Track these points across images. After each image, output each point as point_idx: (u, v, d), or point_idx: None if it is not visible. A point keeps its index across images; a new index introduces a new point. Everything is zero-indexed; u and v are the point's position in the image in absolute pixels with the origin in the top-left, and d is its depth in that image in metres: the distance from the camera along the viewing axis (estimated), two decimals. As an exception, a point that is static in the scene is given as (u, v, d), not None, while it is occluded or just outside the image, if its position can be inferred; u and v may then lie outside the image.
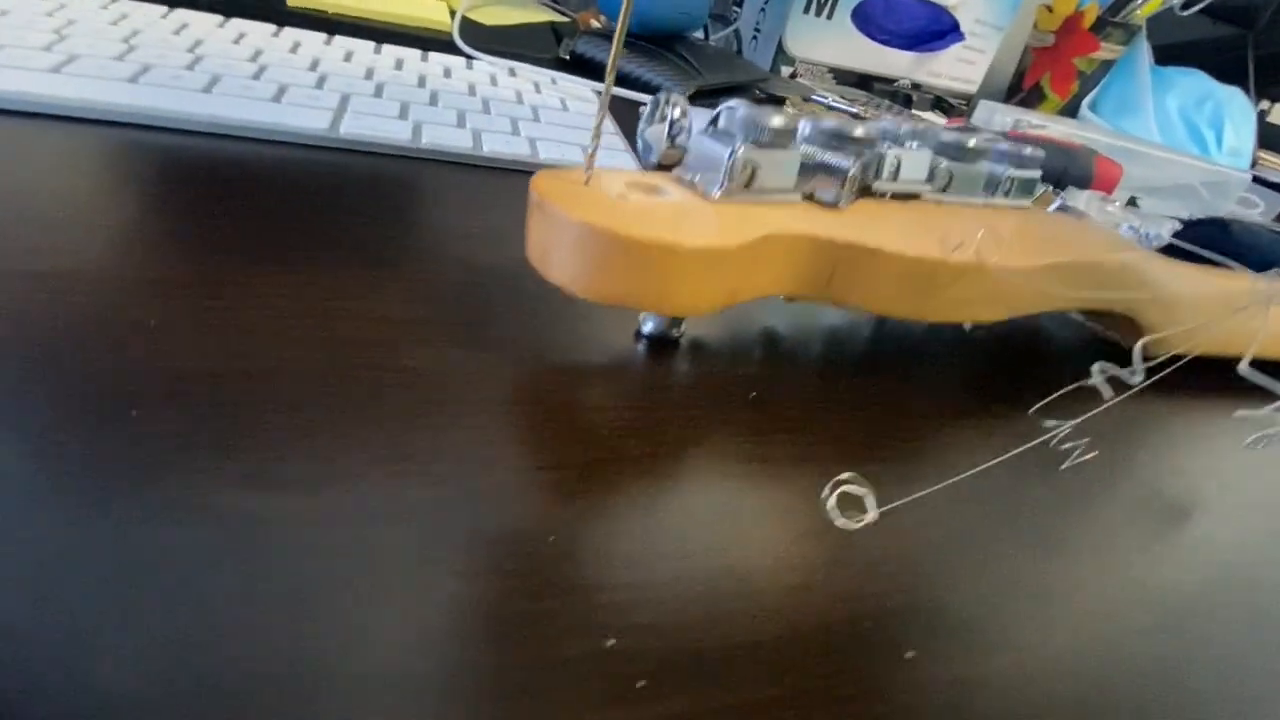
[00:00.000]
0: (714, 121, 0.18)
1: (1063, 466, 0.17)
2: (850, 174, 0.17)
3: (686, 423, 0.16)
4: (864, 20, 0.66)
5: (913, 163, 0.20)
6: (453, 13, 0.44)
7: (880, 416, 0.17)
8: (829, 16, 0.64)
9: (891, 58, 0.69)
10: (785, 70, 0.65)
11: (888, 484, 0.15)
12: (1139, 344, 0.18)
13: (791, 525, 0.14)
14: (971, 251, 0.15)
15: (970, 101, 0.77)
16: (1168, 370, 0.19)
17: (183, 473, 0.11)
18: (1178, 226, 0.41)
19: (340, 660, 0.09)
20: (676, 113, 0.17)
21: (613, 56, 0.14)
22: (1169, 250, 0.40)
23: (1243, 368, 0.18)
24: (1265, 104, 0.82)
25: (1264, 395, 0.18)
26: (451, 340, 0.16)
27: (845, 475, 0.14)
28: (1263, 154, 0.74)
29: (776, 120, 0.15)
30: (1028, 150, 0.22)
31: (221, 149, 0.23)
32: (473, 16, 0.46)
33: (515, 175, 0.27)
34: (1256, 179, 0.69)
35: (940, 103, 0.72)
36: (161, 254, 0.17)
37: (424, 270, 0.19)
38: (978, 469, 0.16)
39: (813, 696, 0.10)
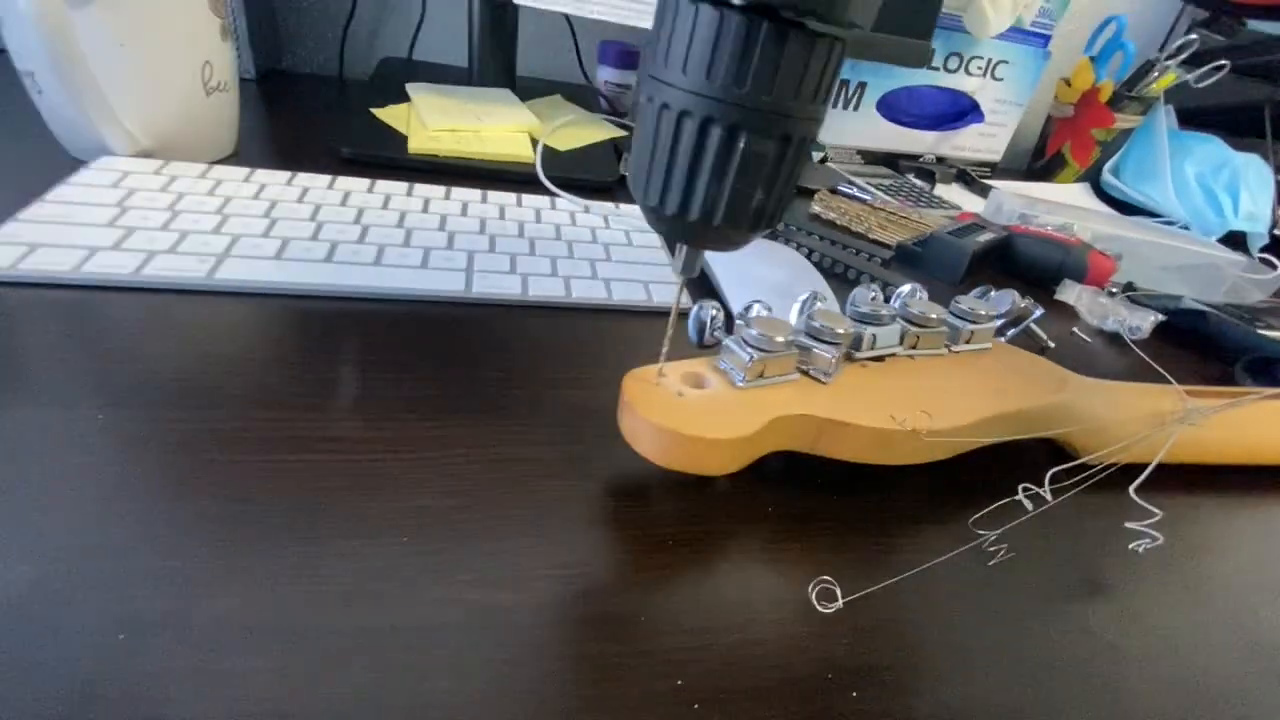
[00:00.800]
0: (744, 315, 0.26)
1: (990, 564, 0.25)
2: (834, 359, 0.25)
3: (722, 534, 0.24)
4: (888, 108, 0.73)
5: (886, 334, 0.27)
6: (534, 141, 0.54)
7: (859, 525, 0.25)
8: (855, 109, 0.72)
9: (915, 137, 0.76)
10: (816, 155, 0.73)
11: (859, 577, 0.23)
12: (1049, 474, 0.25)
13: (789, 608, 0.21)
14: (910, 426, 0.23)
15: (994, 168, 0.83)
16: (1083, 485, 0.27)
17: (442, 577, 0.20)
18: (1161, 319, 0.47)
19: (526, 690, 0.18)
20: (713, 312, 0.26)
21: (673, 316, 0.23)
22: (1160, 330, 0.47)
23: (1132, 491, 0.25)
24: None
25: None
26: (567, 474, 0.25)
27: (825, 577, 0.22)
28: (1286, 213, 0.77)
29: (780, 337, 0.24)
30: (983, 310, 0.30)
31: (389, 311, 0.32)
32: (550, 143, 0.55)
33: (598, 314, 0.35)
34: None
35: (963, 175, 0.78)
36: (373, 412, 0.26)
37: (542, 415, 0.28)
38: (923, 567, 0.24)
39: (800, 718, 0.18)
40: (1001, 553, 0.25)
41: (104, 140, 0.40)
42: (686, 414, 0.22)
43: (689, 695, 0.18)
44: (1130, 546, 0.26)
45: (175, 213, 0.36)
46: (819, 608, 0.21)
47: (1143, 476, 0.26)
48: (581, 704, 0.18)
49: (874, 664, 0.20)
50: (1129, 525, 0.25)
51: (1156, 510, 0.25)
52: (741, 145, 0.17)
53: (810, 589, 0.22)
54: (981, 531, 0.25)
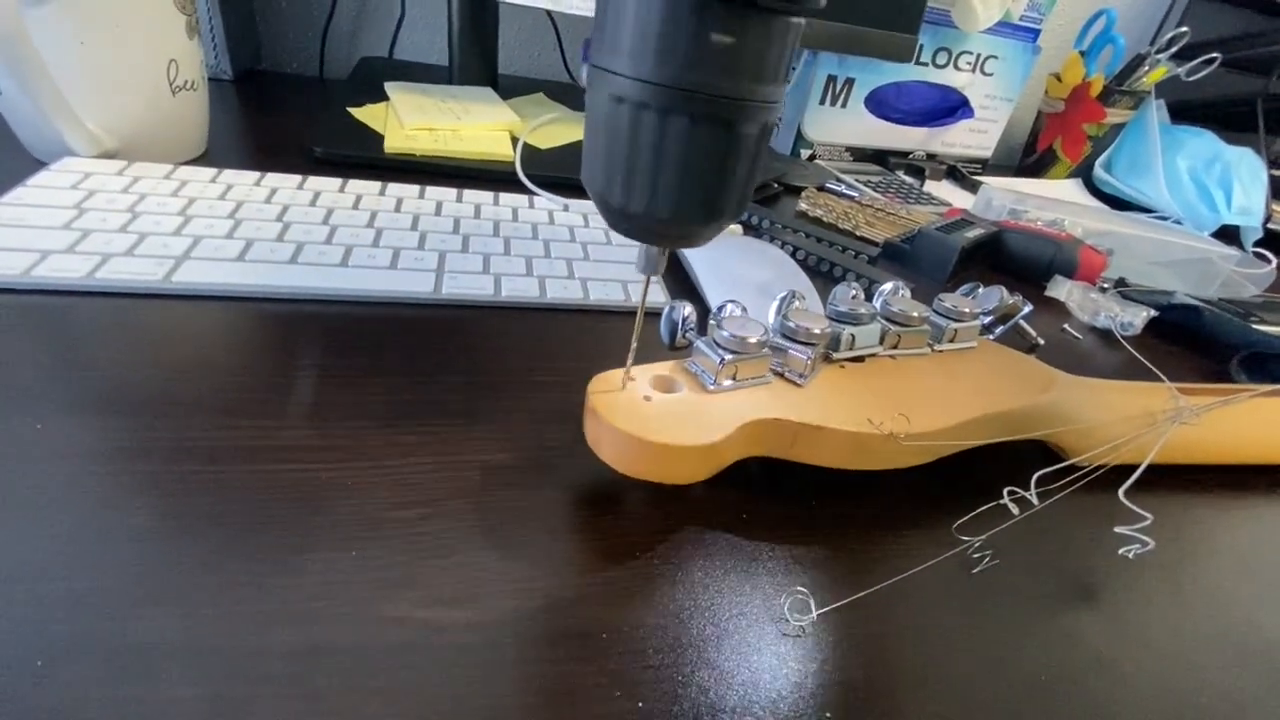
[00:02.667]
0: (716, 316, 0.25)
1: (974, 571, 0.24)
2: (809, 360, 0.24)
3: (693, 544, 0.23)
4: (877, 104, 0.72)
5: (865, 334, 0.26)
6: (514, 140, 0.53)
7: (837, 532, 0.24)
8: (844, 105, 0.71)
9: (905, 133, 0.75)
10: (804, 153, 0.72)
11: (835, 587, 0.22)
12: (1035, 476, 0.24)
13: (762, 622, 0.20)
14: (887, 430, 0.22)
15: (985, 165, 0.82)
16: (1070, 488, 0.26)
17: (389, 594, 0.19)
18: (1153, 314, 0.46)
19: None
20: (685, 312, 0.25)
21: (639, 316, 0.22)
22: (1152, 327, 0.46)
23: (1121, 494, 0.24)
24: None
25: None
26: (530, 483, 0.24)
27: (799, 588, 0.21)
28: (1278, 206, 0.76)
29: (753, 338, 0.22)
30: (967, 308, 0.29)
31: (355, 313, 0.31)
32: (531, 141, 0.54)
33: (573, 314, 0.34)
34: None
35: (954, 171, 0.77)
36: (329, 420, 0.25)
37: (507, 420, 0.26)
38: (903, 575, 0.22)
39: (764, 741, 0.17)
40: (986, 559, 0.24)
41: (66, 141, 0.39)
42: (652, 420, 0.21)
43: (651, 718, 0.17)
44: (1120, 552, 0.25)
45: (135, 214, 0.35)
46: (792, 620, 0.20)
47: (1133, 478, 0.25)
48: (535, 730, 0.17)
49: (849, 680, 0.19)
50: (1119, 530, 0.24)
51: (1147, 514, 0.24)
52: (696, 135, 0.16)
53: (783, 601, 0.21)
54: (965, 538, 0.24)
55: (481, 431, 0.26)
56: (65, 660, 0.16)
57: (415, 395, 0.27)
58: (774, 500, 0.25)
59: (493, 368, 0.29)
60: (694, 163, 0.17)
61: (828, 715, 0.18)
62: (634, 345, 0.23)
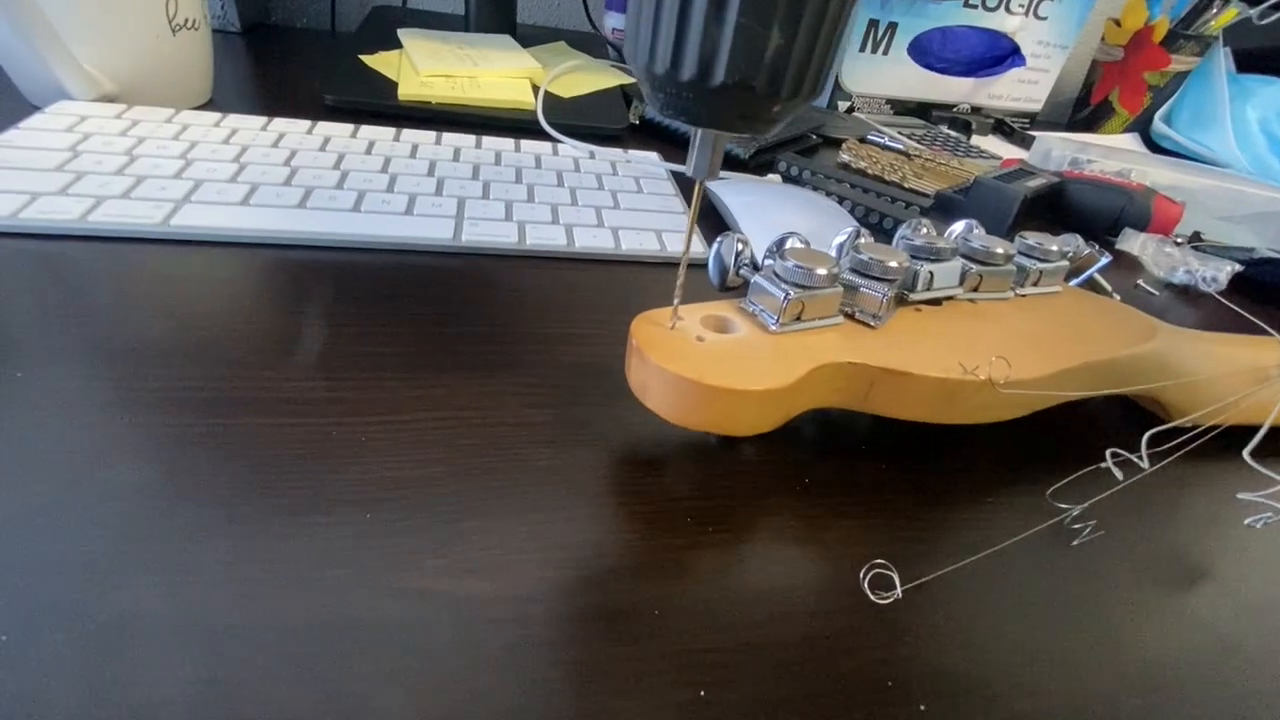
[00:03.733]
0: (775, 250, 0.22)
1: (1074, 543, 0.21)
2: (885, 299, 0.21)
3: (751, 510, 0.20)
4: (921, 52, 0.67)
5: (945, 273, 0.23)
6: (535, 88, 0.50)
7: (912, 500, 0.21)
8: (885, 52, 0.66)
9: (949, 84, 0.70)
10: (842, 105, 0.68)
11: (918, 561, 0.19)
12: (1146, 435, 0.21)
13: (836, 599, 0.18)
14: (984, 375, 0.19)
15: (1033, 120, 0.77)
16: (1183, 450, 0.22)
17: (407, 562, 0.16)
18: (1238, 268, 0.42)
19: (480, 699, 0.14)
20: (739, 247, 0.22)
21: (688, 233, 0.19)
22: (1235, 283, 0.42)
23: (1246, 455, 0.21)
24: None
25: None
26: (565, 441, 0.21)
27: (879, 561, 0.18)
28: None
29: (821, 270, 0.19)
30: (1054, 247, 0.25)
31: (369, 261, 0.29)
32: (553, 90, 0.51)
33: (604, 265, 0.31)
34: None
35: (1001, 125, 0.73)
36: (341, 371, 0.22)
37: (536, 374, 0.24)
38: (994, 549, 0.19)
39: (848, 738, 0.14)
40: (1088, 530, 0.21)
41: (62, 84, 0.36)
42: (709, 361, 0.18)
43: (714, 710, 0.15)
44: (1246, 522, 0.21)
45: (133, 157, 0.32)
46: (873, 598, 0.17)
47: (1257, 438, 0.21)
48: (579, 721, 0.14)
49: (942, 668, 0.16)
50: (1242, 496, 0.21)
51: (1277, 476, 0.21)
52: None
53: (862, 576, 0.18)
54: (1063, 505, 0.21)
55: (508, 386, 0.23)
56: (32, 633, 0.14)
57: (434, 346, 0.24)
58: (838, 463, 0.22)
59: (518, 319, 0.27)
60: (765, 11, 0.13)
61: (921, 709, 0.15)
62: (681, 275, 0.20)
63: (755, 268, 0.21)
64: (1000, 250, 0.24)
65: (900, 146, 0.57)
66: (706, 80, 0.14)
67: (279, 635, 0.14)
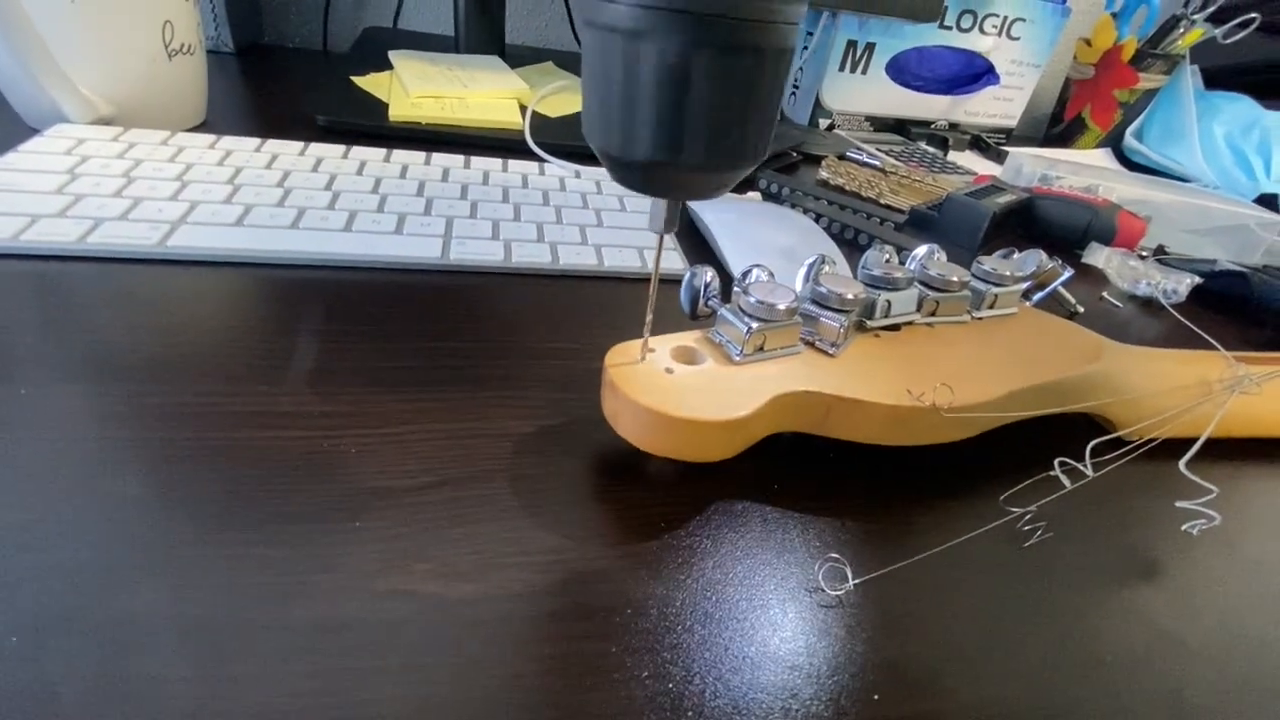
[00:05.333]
0: (741, 281, 0.23)
1: (1025, 545, 0.22)
2: (842, 328, 0.22)
3: (721, 515, 0.21)
4: (898, 71, 0.69)
5: (902, 300, 0.24)
6: (523, 109, 0.51)
7: (875, 504, 0.22)
8: (864, 72, 0.68)
9: (927, 102, 0.72)
10: (823, 122, 0.70)
11: (875, 560, 0.20)
12: (1089, 446, 0.22)
13: (798, 596, 0.19)
14: (929, 401, 0.20)
15: (1009, 135, 0.79)
16: (1125, 459, 0.24)
17: (397, 566, 0.17)
18: (1198, 281, 0.44)
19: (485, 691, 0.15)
20: (708, 278, 0.23)
21: (653, 282, 0.20)
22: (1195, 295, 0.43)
23: (1182, 466, 0.23)
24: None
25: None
26: (547, 451, 0.22)
27: (833, 555, 0.19)
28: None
29: (782, 305, 0.21)
30: (1008, 271, 0.27)
31: (359, 280, 0.30)
32: (540, 110, 0.52)
33: (588, 281, 0.33)
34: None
35: (978, 141, 0.75)
36: (332, 386, 0.23)
37: (520, 387, 0.25)
38: (948, 544, 0.21)
39: (806, 726, 0.16)
40: (1039, 532, 0.22)
41: (60, 107, 0.37)
42: (676, 393, 0.19)
43: (681, 701, 0.16)
44: (1183, 528, 0.23)
45: (130, 179, 0.33)
46: (828, 589, 0.19)
47: (1194, 449, 0.23)
48: (557, 714, 0.15)
49: (895, 659, 0.18)
50: (1181, 504, 0.22)
51: (1212, 487, 0.22)
52: (705, 64, 0.14)
53: (817, 568, 0.19)
54: (1014, 509, 0.22)
55: (492, 399, 0.24)
56: (41, 635, 0.15)
57: (422, 362, 0.25)
58: (807, 472, 0.23)
59: (504, 335, 0.28)
60: (718, 97, 0.15)
61: (876, 698, 0.16)
62: (649, 315, 0.21)
63: (724, 299, 0.22)
64: (955, 278, 0.25)
65: (878, 163, 0.58)
66: (678, 162, 0.16)
67: (274, 634, 0.15)
